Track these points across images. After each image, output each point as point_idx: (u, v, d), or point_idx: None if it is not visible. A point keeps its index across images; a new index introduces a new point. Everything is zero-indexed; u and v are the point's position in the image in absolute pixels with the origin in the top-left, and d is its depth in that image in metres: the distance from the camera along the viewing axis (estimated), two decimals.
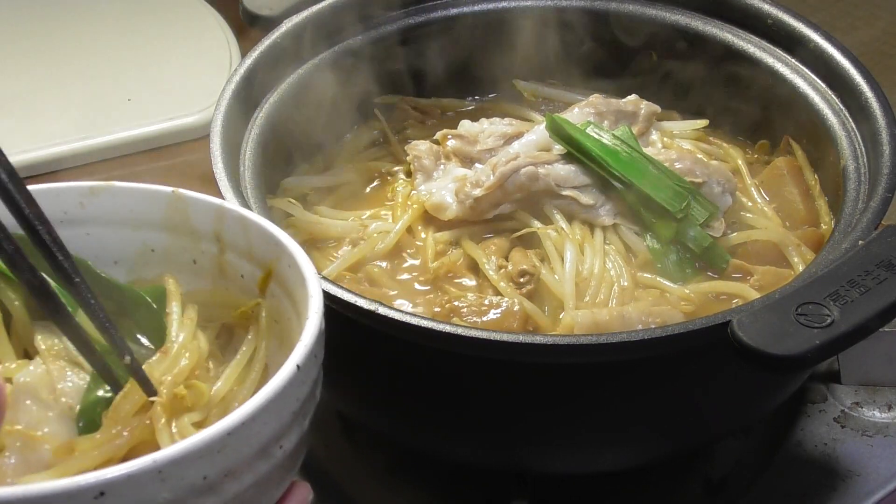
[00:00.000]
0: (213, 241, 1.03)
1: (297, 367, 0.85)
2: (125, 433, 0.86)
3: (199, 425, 0.89)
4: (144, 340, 0.99)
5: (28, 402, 0.88)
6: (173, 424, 0.87)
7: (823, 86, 1.25)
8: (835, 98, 1.23)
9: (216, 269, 1.03)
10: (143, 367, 0.91)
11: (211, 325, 1.02)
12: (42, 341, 0.94)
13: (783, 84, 1.28)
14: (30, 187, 1.00)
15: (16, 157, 1.60)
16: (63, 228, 1.01)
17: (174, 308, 0.98)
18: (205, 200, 1.02)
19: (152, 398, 0.88)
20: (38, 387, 0.90)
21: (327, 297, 1.01)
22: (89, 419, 0.90)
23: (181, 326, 0.96)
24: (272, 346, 0.99)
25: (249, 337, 0.99)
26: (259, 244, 1.00)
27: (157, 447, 0.85)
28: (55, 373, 0.92)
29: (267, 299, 1.00)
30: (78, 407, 0.90)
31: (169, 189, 1.02)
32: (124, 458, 0.85)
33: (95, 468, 0.83)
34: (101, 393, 0.91)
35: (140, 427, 0.86)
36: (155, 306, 0.99)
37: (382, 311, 0.99)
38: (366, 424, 1.21)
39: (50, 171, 1.60)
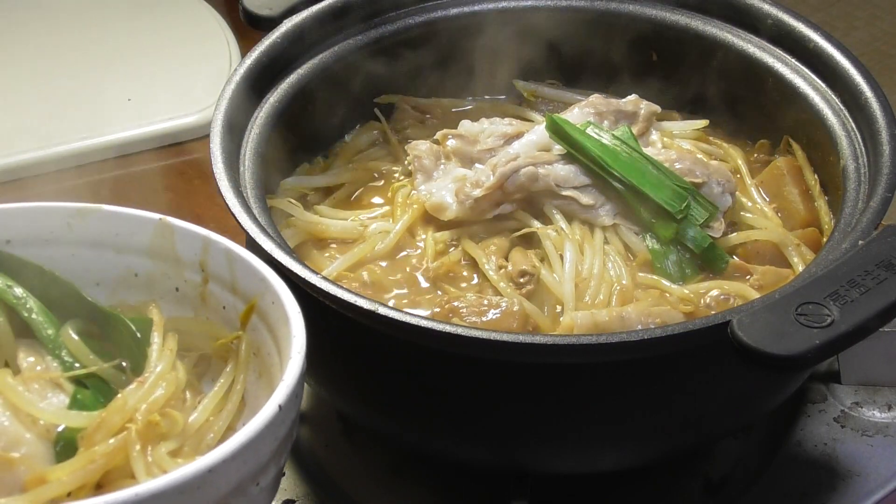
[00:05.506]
0: (197, 271, 1.03)
1: (279, 406, 0.86)
2: (98, 460, 0.85)
3: (175, 454, 0.90)
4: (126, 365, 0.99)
5: (6, 423, 0.88)
6: (148, 452, 0.87)
7: (823, 86, 1.25)
8: (835, 98, 1.23)
9: (198, 299, 1.04)
10: (119, 394, 0.91)
11: (190, 355, 1.02)
12: (24, 360, 0.93)
13: (783, 84, 1.28)
14: (18, 206, 0.99)
15: (16, 157, 1.61)
16: (49, 248, 1.02)
17: (155, 338, 0.98)
18: (192, 230, 1.02)
19: (128, 424, 0.88)
20: (17, 407, 0.89)
21: (327, 297, 1.01)
22: (68, 442, 0.89)
23: (161, 356, 0.96)
24: (250, 378, 0.99)
25: (228, 369, 0.99)
26: (243, 278, 1.00)
27: (131, 473, 0.85)
28: (36, 393, 0.91)
29: (248, 332, 1.00)
30: (58, 429, 0.90)
31: (157, 216, 1.03)
32: (99, 485, 0.85)
33: (69, 495, 0.83)
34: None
35: (114, 453, 0.86)
36: (139, 335, 0.99)
37: (382, 311, 0.99)
38: (366, 425, 1.20)
39: (49, 171, 1.59)
